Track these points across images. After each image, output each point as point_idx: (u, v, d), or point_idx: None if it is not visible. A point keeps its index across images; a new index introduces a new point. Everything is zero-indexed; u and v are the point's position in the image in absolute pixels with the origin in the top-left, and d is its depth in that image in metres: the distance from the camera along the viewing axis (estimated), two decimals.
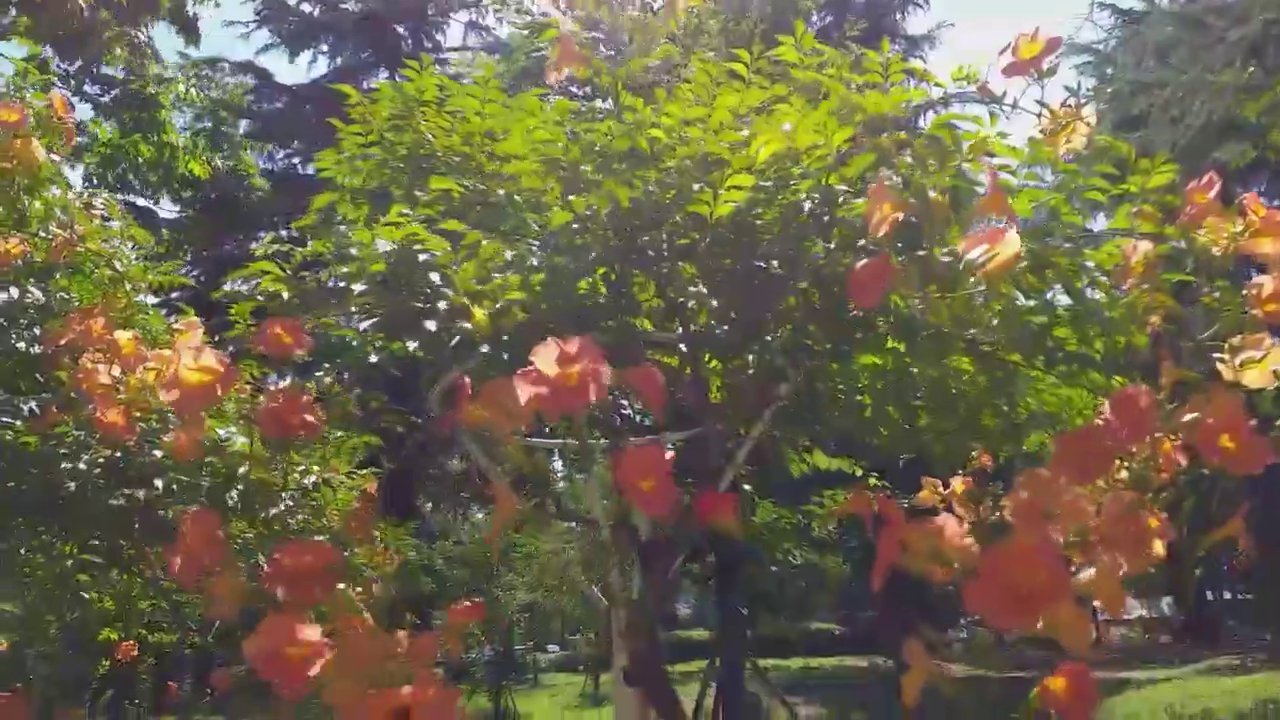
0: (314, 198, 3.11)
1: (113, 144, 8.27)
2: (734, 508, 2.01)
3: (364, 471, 3.79)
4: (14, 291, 2.75)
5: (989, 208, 1.70)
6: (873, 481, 3.95)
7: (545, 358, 1.44)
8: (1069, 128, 1.82)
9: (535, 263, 1.82)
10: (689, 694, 11.64)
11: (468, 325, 1.90)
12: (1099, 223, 3.15)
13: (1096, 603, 1.48)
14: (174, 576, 1.68)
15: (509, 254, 1.88)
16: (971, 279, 1.56)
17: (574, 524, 2.45)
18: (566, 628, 31.15)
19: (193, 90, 9.21)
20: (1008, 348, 1.92)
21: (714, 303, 1.89)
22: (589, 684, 20.72)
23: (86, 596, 4.32)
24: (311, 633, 1.47)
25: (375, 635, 1.57)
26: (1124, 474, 1.52)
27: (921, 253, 1.62)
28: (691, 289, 2.00)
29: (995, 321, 1.79)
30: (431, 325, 1.91)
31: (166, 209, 16.22)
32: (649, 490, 1.52)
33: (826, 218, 1.78)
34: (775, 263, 1.84)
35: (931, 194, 1.61)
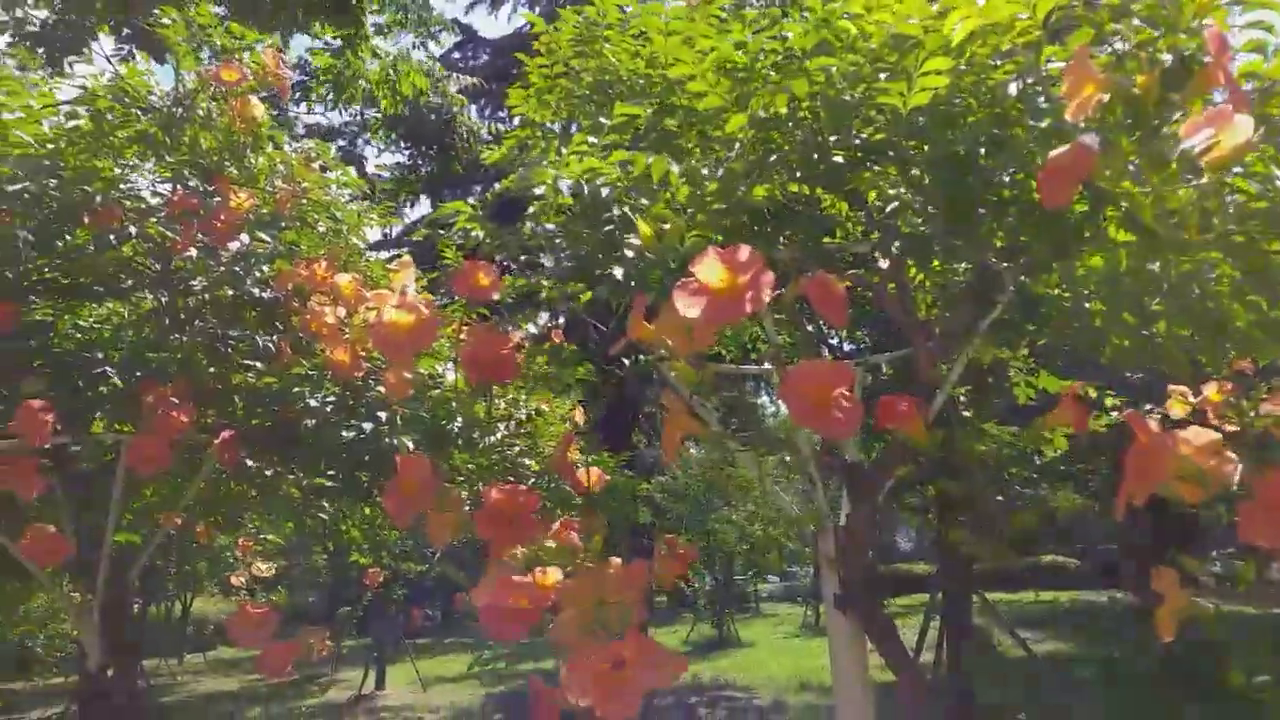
0: (507, 134, 3.16)
1: (335, 69, 8.67)
2: (918, 415, 1.87)
3: (572, 403, 3.88)
4: (245, 239, 2.96)
5: (1213, 81, 1.46)
6: (1110, 401, 3.62)
7: (705, 268, 1.38)
8: None
9: (706, 172, 1.73)
10: (911, 628, 11.41)
11: (637, 243, 1.85)
12: None
13: None
14: (393, 516, 1.76)
15: (675, 167, 1.80)
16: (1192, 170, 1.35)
17: (777, 450, 2.38)
18: (785, 559, 31.32)
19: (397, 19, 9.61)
20: (1265, 234, 1.66)
21: (914, 205, 1.74)
22: (809, 613, 20.77)
23: (333, 525, 4.73)
24: (531, 584, 1.51)
25: (593, 572, 1.59)
26: None
27: (1135, 138, 1.42)
28: (891, 191, 1.85)
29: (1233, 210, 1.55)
30: (625, 254, 1.88)
31: (388, 159, 17.21)
32: (824, 410, 1.43)
33: (1042, 98, 1.58)
34: (983, 151, 1.67)
35: (1148, 70, 1.40)
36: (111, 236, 2.76)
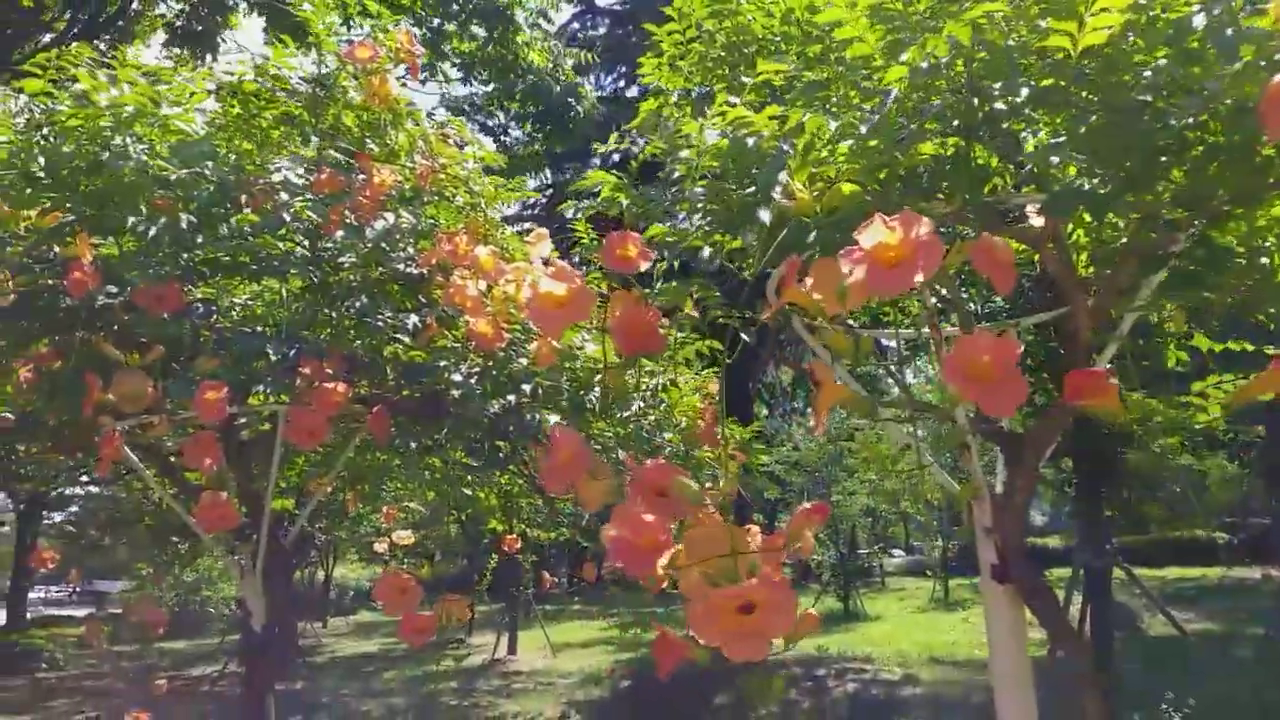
0: (643, 73, 3.15)
1: (469, 53, 9.08)
2: (1113, 386, 1.78)
3: (706, 372, 3.88)
4: (390, 218, 3.05)
5: None
6: None
7: (871, 234, 1.33)
8: None
9: (864, 130, 1.66)
10: None
11: (789, 203, 1.81)
12: None
13: None
14: (546, 485, 1.79)
15: (833, 124, 1.74)
16: None
17: (925, 416, 2.31)
18: (912, 532, 30.74)
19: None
20: None
21: (1080, 155, 1.64)
22: (937, 588, 20.33)
23: (471, 494, 4.88)
24: (661, 524, 1.50)
25: (722, 528, 1.57)
26: None
27: None
28: (1052, 141, 1.75)
29: None
30: (765, 215, 1.84)
31: (512, 136, 17.54)
32: (990, 383, 1.37)
33: (1230, 30, 1.46)
34: (1165, 93, 1.55)
35: None
36: (267, 219, 2.88)
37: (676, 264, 2.26)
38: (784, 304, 1.58)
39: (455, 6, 9.52)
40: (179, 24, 11.03)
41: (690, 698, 10.11)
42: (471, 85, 9.71)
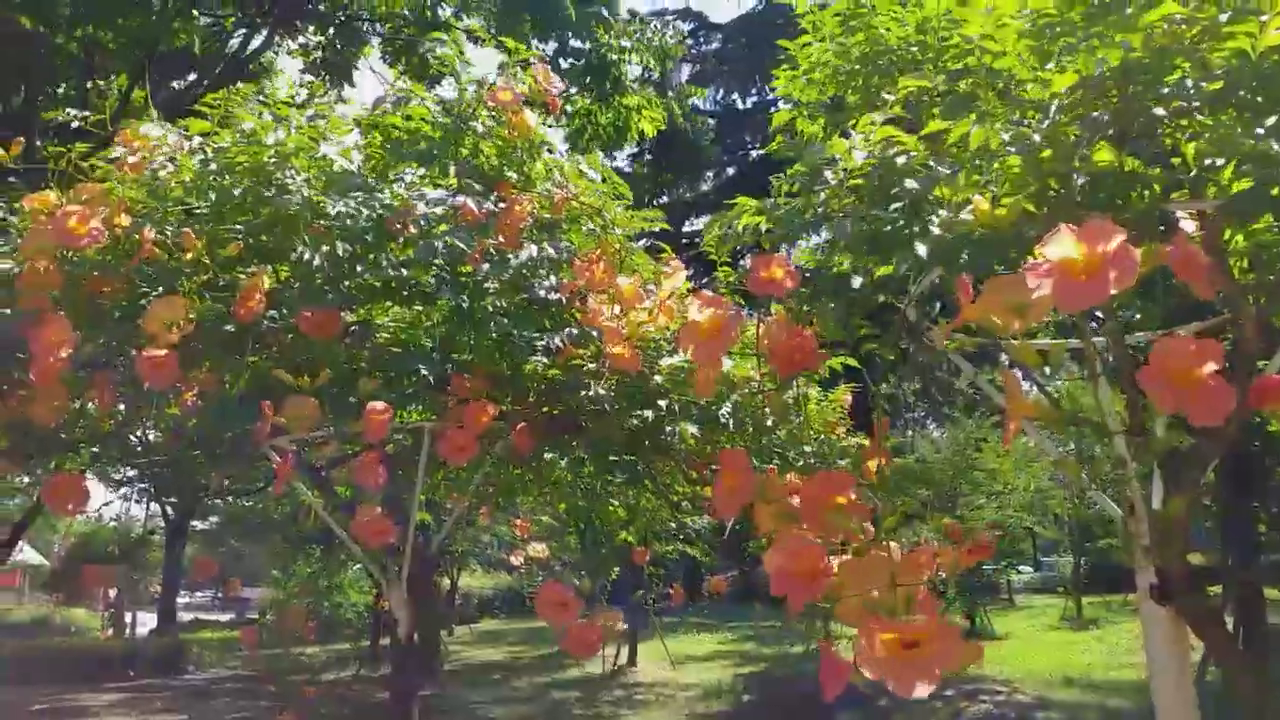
0: (773, 115, 3.18)
1: (580, 113, 9.38)
2: None
3: (842, 388, 3.88)
4: (534, 249, 3.17)
5: None
6: None
7: (1060, 245, 1.31)
8: None
9: (1038, 139, 1.64)
10: None
11: (946, 216, 1.80)
12: None
13: None
14: (719, 510, 1.83)
15: (1005, 135, 1.72)
16: None
17: (1082, 429, 2.26)
18: (1040, 548, 29.58)
19: (639, 47, 10.06)
20: None
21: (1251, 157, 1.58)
22: (1069, 607, 19.49)
23: (599, 506, 4.97)
24: (820, 551, 1.52)
25: (877, 554, 1.58)
26: None
27: None
28: (1211, 146, 1.70)
29: None
30: (932, 229, 1.83)
31: (622, 160, 17.80)
32: (1191, 391, 1.33)
33: None
34: None
35: None
36: (420, 250, 3.03)
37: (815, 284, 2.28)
38: (957, 327, 1.57)
39: (562, 64, 9.79)
40: (316, 55, 11.62)
41: (814, 713, 9.99)
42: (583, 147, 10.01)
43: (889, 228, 1.85)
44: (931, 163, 1.90)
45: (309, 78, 11.04)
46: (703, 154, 12.82)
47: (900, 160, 1.93)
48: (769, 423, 3.29)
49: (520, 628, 21.49)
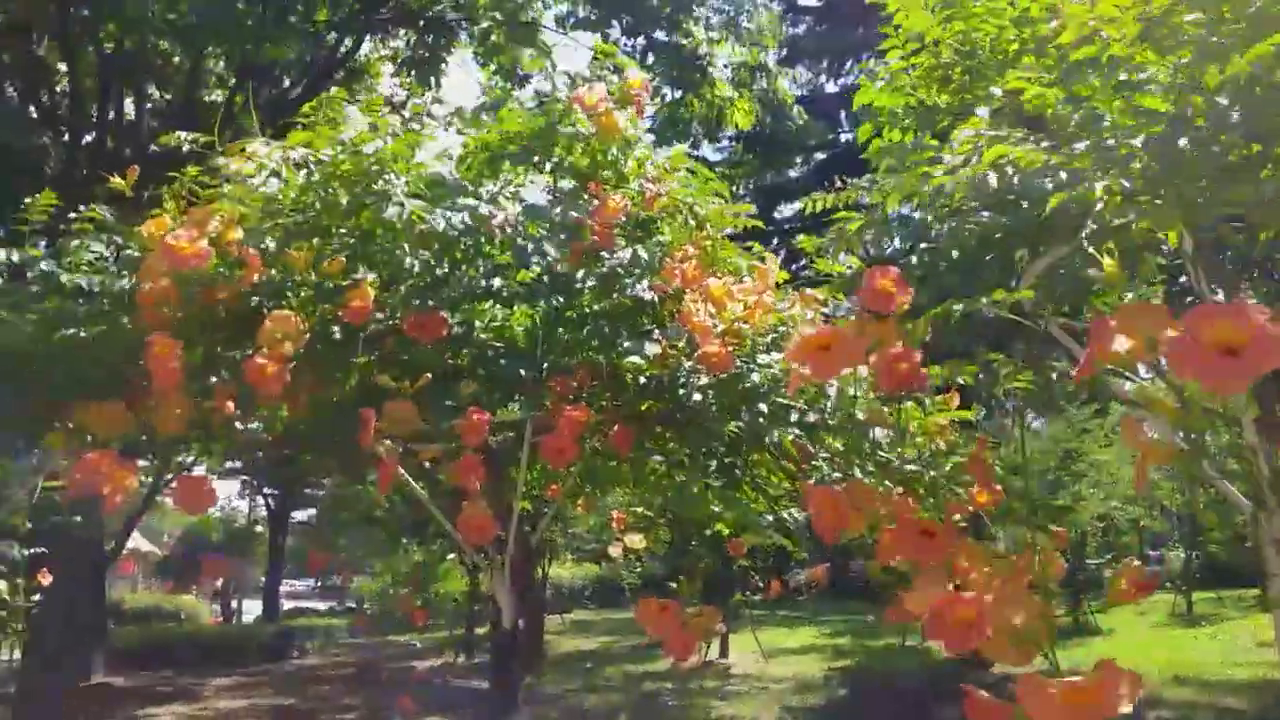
0: (858, 100, 3.11)
1: (672, 106, 9.44)
2: None
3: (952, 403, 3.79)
4: (626, 253, 3.20)
5: None
6: None
7: (1204, 323, 1.18)
8: None
9: (1185, 145, 1.57)
10: None
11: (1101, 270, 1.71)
12: None
13: None
14: (824, 539, 1.83)
15: (1138, 139, 1.65)
16: None
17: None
18: (1145, 542, 28.53)
19: (727, 35, 10.05)
20: None
21: None
22: (1179, 602, 18.72)
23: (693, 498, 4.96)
24: (977, 600, 1.50)
25: (1024, 594, 1.56)
26: None
27: None
28: None
29: None
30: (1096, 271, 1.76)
31: (710, 150, 17.73)
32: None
33: None
34: None
35: None
36: (517, 254, 3.08)
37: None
38: (1099, 357, 1.49)
39: (650, 58, 9.83)
40: (406, 54, 11.88)
41: (911, 707, 9.84)
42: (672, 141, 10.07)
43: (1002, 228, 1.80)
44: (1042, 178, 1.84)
45: (399, 80, 11.31)
46: (792, 139, 12.62)
47: (1016, 178, 1.86)
48: (871, 432, 3.21)
49: (610, 618, 21.68)
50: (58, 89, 11.33)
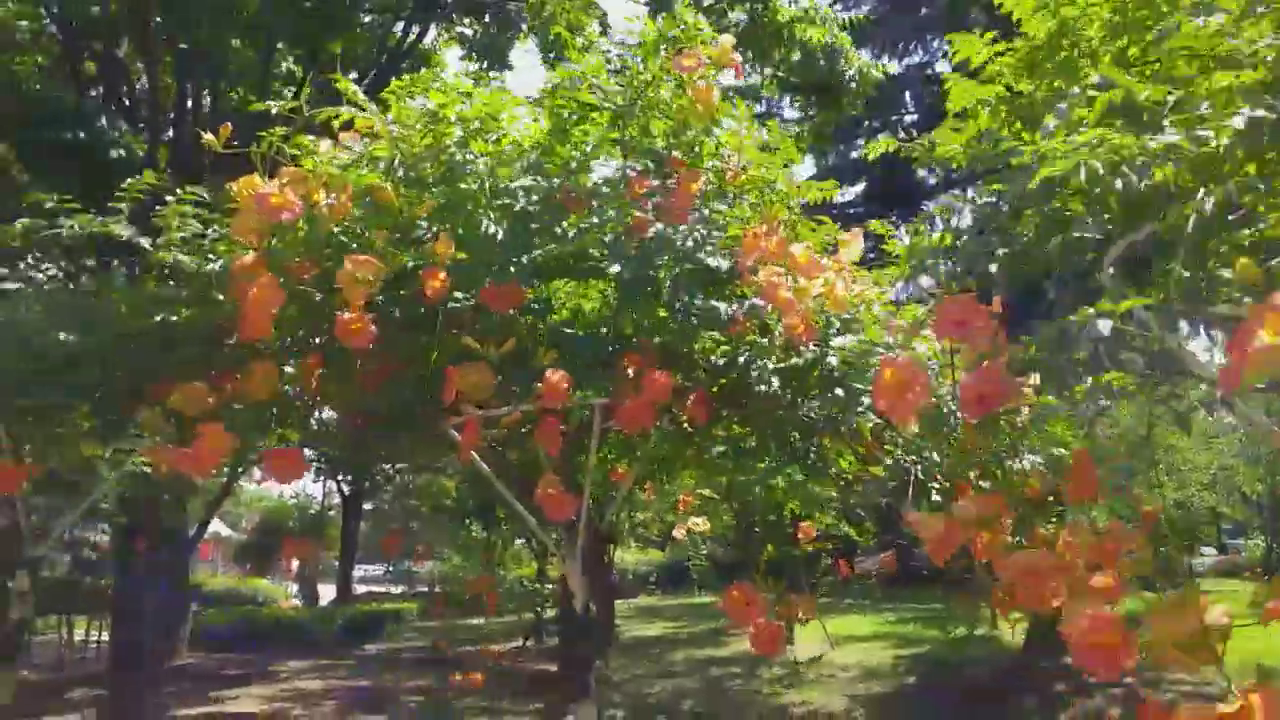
0: (954, 101, 3.03)
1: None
2: None
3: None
4: (703, 213, 3.17)
5: None
6: None
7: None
8: None
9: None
10: None
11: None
12: None
13: None
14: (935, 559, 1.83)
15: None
16: None
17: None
18: (1226, 530, 27.67)
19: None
20: None
21: None
22: (1260, 591, 18.10)
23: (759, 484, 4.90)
24: (1116, 620, 1.48)
25: (1187, 604, 1.54)
26: None
27: None
28: None
29: None
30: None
31: (789, 111, 17.56)
32: None
33: None
34: None
35: None
36: (594, 226, 3.08)
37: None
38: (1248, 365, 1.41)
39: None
40: (472, 38, 11.99)
41: (979, 697, 9.69)
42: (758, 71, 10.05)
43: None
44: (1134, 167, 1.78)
45: (464, 68, 11.41)
46: (857, 91, 12.40)
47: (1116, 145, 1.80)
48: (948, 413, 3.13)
49: (676, 604, 21.68)
50: (138, 86, 11.65)
